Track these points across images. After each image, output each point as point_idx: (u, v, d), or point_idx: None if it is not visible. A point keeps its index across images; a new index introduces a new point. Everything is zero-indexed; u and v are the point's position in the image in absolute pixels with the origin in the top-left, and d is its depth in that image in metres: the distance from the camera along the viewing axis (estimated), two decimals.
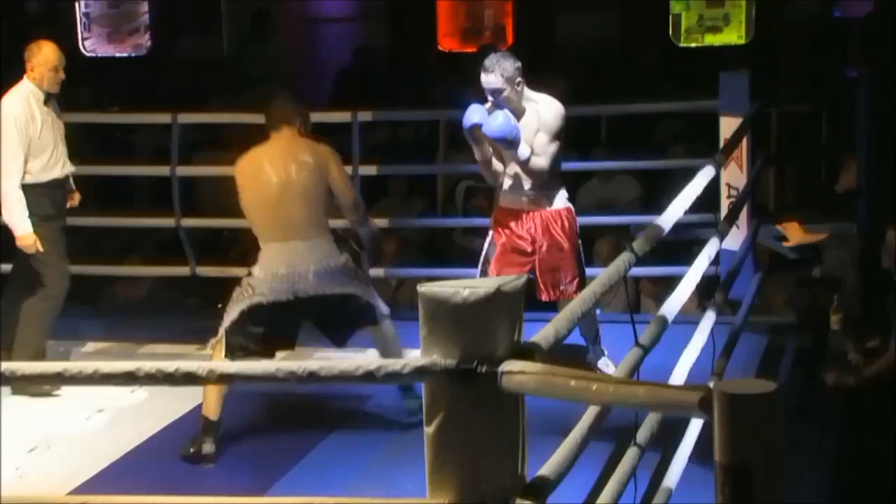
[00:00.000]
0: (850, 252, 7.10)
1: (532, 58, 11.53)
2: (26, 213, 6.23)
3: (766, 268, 7.06)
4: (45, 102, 6.37)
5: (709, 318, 5.20)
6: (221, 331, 5.41)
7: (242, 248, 8.75)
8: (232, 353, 5.38)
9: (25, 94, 6.31)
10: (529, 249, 5.91)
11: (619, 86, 10.84)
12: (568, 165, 8.28)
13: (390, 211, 8.48)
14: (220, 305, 5.60)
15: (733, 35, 11.87)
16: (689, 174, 5.15)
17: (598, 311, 7.14)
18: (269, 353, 5.45)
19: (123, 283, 8.55)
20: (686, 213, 4.69)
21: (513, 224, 5.93)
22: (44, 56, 6.30)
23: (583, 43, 12.24)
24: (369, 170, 7.76)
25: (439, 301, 2.55)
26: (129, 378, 2.68)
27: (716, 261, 5.68)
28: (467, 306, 2.53)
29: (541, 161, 5.78)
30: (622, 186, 8.86)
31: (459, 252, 8.32)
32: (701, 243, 5.44)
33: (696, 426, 4.65)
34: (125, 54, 12.61)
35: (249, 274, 5.44)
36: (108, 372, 2.70)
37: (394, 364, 2.63)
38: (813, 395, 5.71)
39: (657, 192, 8.48)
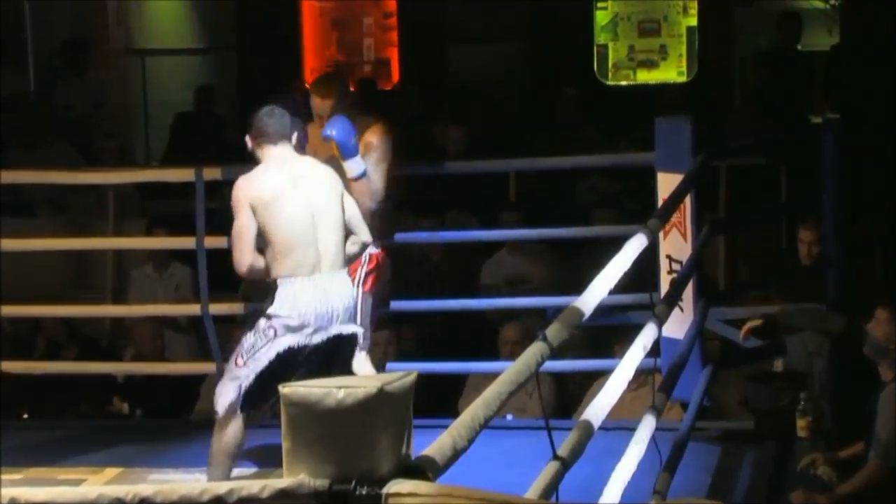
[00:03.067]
0: (818, 339, 7.24)
1: (421, 98, 11.71)
2: None
3: (717, 360, 7.15)
4: None
5: (648, 423, 5.26)
6: (240, 388, 5.69)
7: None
8: (251, 410, 5.77)
9: None
10: None
11: (528, 134, 10.97)
12: (469, 235, 8.41)
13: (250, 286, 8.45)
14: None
15: (672, 71, 12.12)
16: (617, 244, 5.21)
17: (509, 418, 7.22)
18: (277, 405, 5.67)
19: None
20: (616, 292, 4.74)
21: None
22: None
23: (484, 80, 12.40)
24: (217, 242, 7.71)
25: (307, 404, 2.56)
26: None
27: (654, 351, 5.75)
28: (342, 411, 2.54)
29: (377, 184, 6.44)
30: (534, 260, 8.95)
31: None
32: (636, 329, 5.50)
33: None
34: None
35: (268, 316, 5.71)
36: None
37: (249, 486, 2.63)
38: None
39: (578, 266, 8.57)
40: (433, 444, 2.85)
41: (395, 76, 12.87)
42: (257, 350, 5.70)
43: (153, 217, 9.58)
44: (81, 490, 2.87)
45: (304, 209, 5.75)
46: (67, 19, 12.30)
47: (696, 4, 12.04)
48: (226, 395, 5.74)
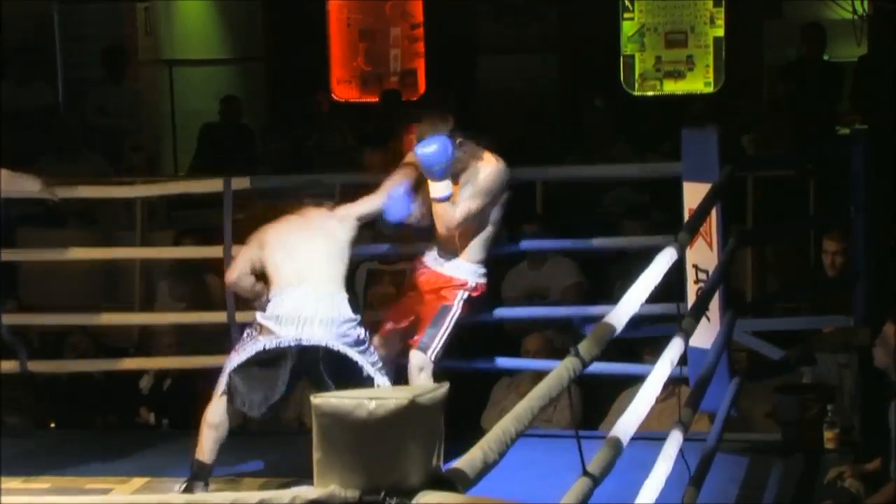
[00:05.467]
0: (848, 352, 7.22)
1: (451, 109, 11.66)
2: None
3: (744, 372, 7.13)
4: None
5: (675, 438, 5.25)
6: (226, 374, 6.30)
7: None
8: (231, 398, 6.30)
9: None
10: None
11: (557, 144, 10.96)
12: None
13: None
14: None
15: (699, 82, 12.11)
16: (644, 256, 5.21)
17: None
18: (263, 406, 6.29)
19: None
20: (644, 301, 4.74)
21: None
22: None
23: (512, 91, 12.39)
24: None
25: (339, 415, 2.56)
26: None
27: (681, 361, 5.74)
28: (373, 422, 2.54)
29: (456, 213, 6.58)
30: (556, 270, 8.92)
31: None
32: (665, 337, 5.50)
33: None
34: None
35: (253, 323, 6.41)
36: None
37: (279, 497, 2.64)
38: None
39: (604, 277, 8.56)
40: (464, 456, 2.86)
41: (422, 87, 12.87)
42: (243, 345, 6.35)
43: (181, 228, 9.59)
44: (109, 499, 2.89)
45: (297, 227, 6.62)
46: (97, 30, 12.34)
47: (723, 15, 12.02)
48: (220, 378, 6.37)
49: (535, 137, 11.29)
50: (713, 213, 6.89)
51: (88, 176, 9.28)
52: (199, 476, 6.36)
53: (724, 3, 11.96)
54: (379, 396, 2.57)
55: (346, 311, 6.37)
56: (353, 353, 6.30)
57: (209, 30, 13.32)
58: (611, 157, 10.15)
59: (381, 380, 6.34)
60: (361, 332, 6.41)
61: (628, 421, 4.52)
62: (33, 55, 11.88)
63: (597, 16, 12.34)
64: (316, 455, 2.60)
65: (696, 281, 7.02)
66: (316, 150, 11.31)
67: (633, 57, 12.20)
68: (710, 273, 6.87)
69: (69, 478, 6.71)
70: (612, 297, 4.64)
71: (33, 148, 10.48)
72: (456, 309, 6.70)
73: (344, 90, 13.15)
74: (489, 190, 6.67)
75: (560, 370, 3.74)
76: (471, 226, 6.68)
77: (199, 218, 9.49)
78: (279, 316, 6.29)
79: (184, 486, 6.36)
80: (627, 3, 12.12)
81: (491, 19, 12.96)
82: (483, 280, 6.81)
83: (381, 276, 8.76)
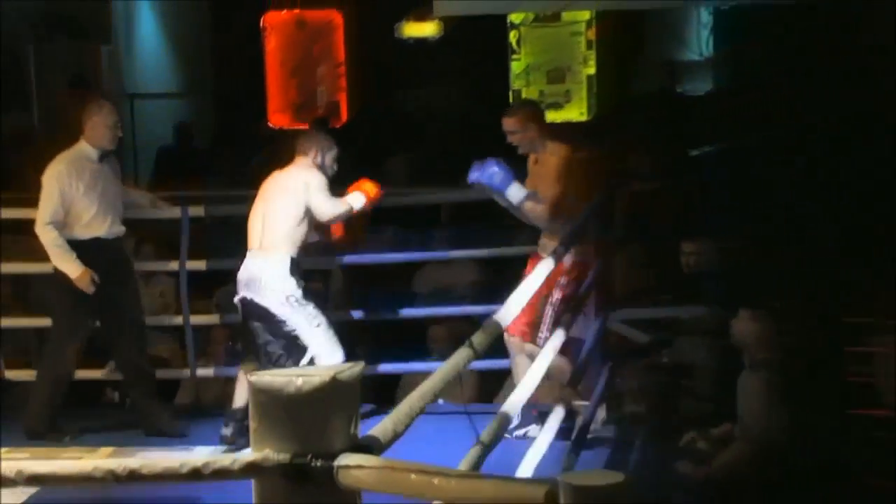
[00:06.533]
0: (703, 335, 7.29)
1: (369, 134, 11.69)
2: (71, 254, 6.61)
3: (616, 355, 7.17)
4: (100, 159, 6.74)
5: (556, 412, 5.27)
6: None
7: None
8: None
9: (74, 154, 6.73)
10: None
11: (460, 163, 10.94)
12: (402, 256, 8.32)
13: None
14: None
15: (575, 112, 12.18)
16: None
17: (439, 402, 7.21)
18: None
19: None
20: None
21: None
22: (102, 115, 6.73)
23: (422, 118, 12.40)
24: (198, 265, 7.63)
25: (272, 391, 2.55)
26: None
27: (563, 350, 5.77)
28: (302, 396, 2.53)
29: (538, 207, 6.34)
30: (460, 270, 8.93)
31: None
32: None
33: None
34: None
35: None
36: None
37: (222, 460, 2.61)
38: (664, 485, 5.81)
39: (502, 275, 8.57)
40: (377, 426, 2.85)
41: (344, 116, 12.87)
42: None
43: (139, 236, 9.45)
44: (79, 463, 2.85)
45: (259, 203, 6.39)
46: (67, 64, 12.19)
47: (594, 56, 12.11)
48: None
49: (442, 158, 11.29)
50: (590, 224, 6.92)
51: None
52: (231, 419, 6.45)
53: (594, 46, 12.04)
54: (306, 374, 2.55)
55: (281, 272, 6.26)
56: (277, 311, 6.22)
57: (165, 67, 13.21)
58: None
59: (313, 341, 6.23)
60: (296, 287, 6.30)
61: (517, 398, 4.54)
62: (11, 86, 11.70)
63: (491, 56, 12.39)
64: (252, 425, 2.59)
65: None
66: (257, 169, 11.23)
67: (520, 91, 12.24)
68: (588, 274, 6.90)
69: (45, 449, 6.61)
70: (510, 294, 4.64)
71: (12, 166, 10.31)
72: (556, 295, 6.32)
73: (279, 118, 13.09)
74: (560, 175, 6.36)
75: (456, 358, 3.78)
76: (561, 212, 6.32)
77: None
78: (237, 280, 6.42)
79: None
80: (515, 46, 12.15)
81: (404, 58, 12.96)
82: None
83: (309, 275, 8.71)
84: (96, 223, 6.70)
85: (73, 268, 6.61)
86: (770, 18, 8.66)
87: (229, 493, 3.05)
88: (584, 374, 6.17)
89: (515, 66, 12.23)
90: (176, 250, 7.55)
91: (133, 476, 2.59)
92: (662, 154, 10.07)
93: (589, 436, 5.91)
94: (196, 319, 7.63)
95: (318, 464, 2.54)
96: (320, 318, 6.26)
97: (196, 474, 2.61)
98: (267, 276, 6.21)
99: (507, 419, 4.29)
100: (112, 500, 5.35)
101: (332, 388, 2.55)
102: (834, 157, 8.36)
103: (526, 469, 4.73)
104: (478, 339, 3.98)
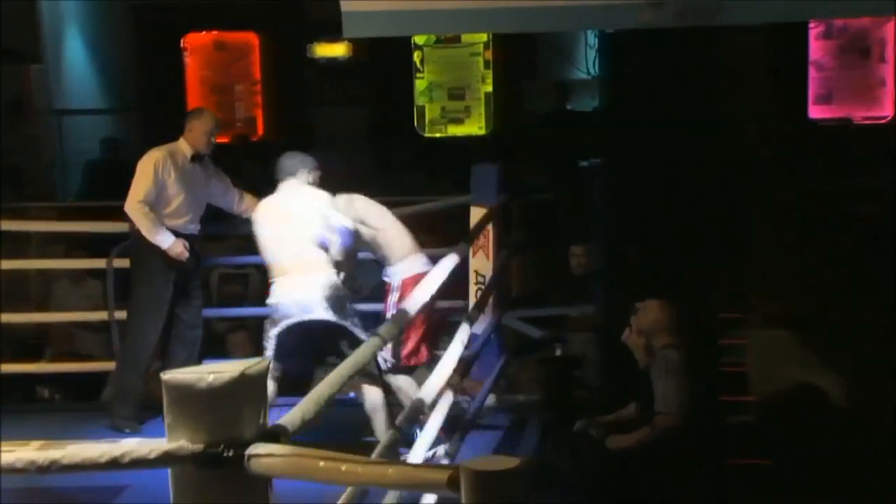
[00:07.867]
0: (590, 331, 7.35)
1: (277, 150, 11.59)
2: (161, 226, 6.48)
3: (513, 349, 7.21)
4: (193, 160, 6.67)
5: (447, 399, 5.29)
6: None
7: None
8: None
9: (173, 148, 6.68)
10: None
11: (368, 175, 10.95)
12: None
13: None
14: None
15: (474, 127, 12.20)
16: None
17: (351, 395, 7.18)
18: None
19: None
20: (439, 299, 4.78)
21: None
22: (202, 120, 6.75)
23: (336, 135, 12.36)
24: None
25: (185, 387, 2.53)
26: None
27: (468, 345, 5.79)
28: (213, 391, 2.51)
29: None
30: (368, 273, 8.90)
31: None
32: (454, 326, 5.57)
33: None
34: None
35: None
36: None
37: (139, 449, 2.58)
38: (558, 467, 5.82)
39: None
40: (286, 415, 2.84)
41: (260, 131, 12.84)
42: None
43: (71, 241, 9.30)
44: (3, 454, 2.80)
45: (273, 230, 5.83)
46: None
47: (491, 75, 12.16)
48: None
49: (351, 171, 11.27)
50: (490, 231, 6.96)
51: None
52: None
53: (491, 66, 12.09)
54: (216, 371, 2.54)
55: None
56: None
57: (92, 85, 13.02)
58: (410, 184, 10.16)
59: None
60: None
61: (430, 385, 4.58)
62: None
63: (396, 76, 12.40)
64: (167, 419, 2.57)
65: (476, 283, 7.09)
66: None
67: (424, 107, 12.26)
68: (487, 277, 6.95)
69: None
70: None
71: None
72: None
73: None
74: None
75: (365, 347, 3.80)
76: None
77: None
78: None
79: None
80: (419, 65, 12.17)
81: (317, 78, 12.93)
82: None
83: (230, 279, 8.66)
84: (177, 215, 6.58)
85: (165, 238, 6.49)
86: (651, 41, 8.76)
87: None
88: (481, 365, 6.19)
89: (419, 84, 12.23)
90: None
91: (54, 466, 2.55)
92: (553, 166, 10.17)
93: (483, 420, 5.92)
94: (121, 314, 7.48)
95: (230, 453, 2.52)
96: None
97: (115, 463, 2.58)
98: (321, 294, 5.73)
99: (421, 407, 4.31)
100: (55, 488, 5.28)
101: (242, 383, 2.54)
102: (706, 167, 8.48)
103: (417, 454, 4.73)
104: (385, 329, 4.02)
